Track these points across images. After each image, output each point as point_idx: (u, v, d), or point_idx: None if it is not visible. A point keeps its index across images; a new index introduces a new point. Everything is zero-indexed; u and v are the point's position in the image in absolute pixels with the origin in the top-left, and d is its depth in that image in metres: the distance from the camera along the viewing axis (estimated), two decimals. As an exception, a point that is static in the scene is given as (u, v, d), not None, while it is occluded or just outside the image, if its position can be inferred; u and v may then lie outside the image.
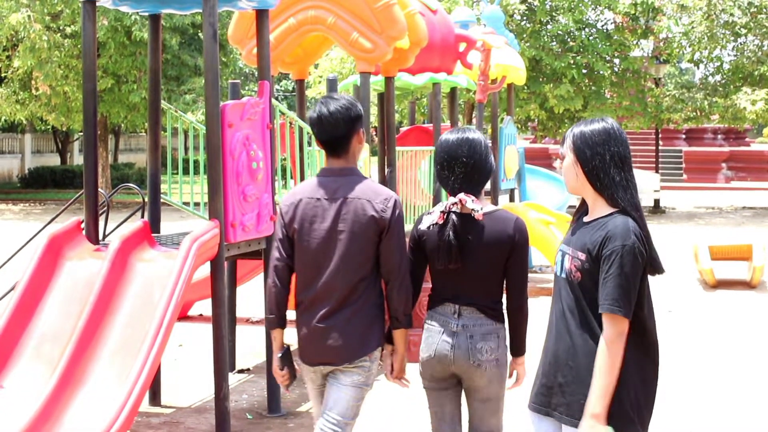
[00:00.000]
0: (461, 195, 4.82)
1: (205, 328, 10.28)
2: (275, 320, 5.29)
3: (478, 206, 4.80)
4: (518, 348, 4.98)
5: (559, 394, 4.02)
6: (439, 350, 4.86)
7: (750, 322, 12.06)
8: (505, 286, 4.91)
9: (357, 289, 4.98)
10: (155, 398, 8.30)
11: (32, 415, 5.83)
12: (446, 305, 4.89)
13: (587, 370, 3.92)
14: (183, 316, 11.91)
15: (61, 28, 27.90)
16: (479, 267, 4.82)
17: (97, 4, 7.52)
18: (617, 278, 3.86)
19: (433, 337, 4.90)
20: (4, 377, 6.35)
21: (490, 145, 5.25)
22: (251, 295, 12.38)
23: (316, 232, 4.99)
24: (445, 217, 4.84)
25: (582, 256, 3.98)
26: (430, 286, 5.08)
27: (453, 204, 4.83)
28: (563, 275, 4.08)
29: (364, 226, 4.92)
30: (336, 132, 5.00)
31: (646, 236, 3.96)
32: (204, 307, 12.04)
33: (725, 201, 33.31)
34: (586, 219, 4.10)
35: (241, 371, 9.48)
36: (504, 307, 4.93)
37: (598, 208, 4.05)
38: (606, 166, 3.99)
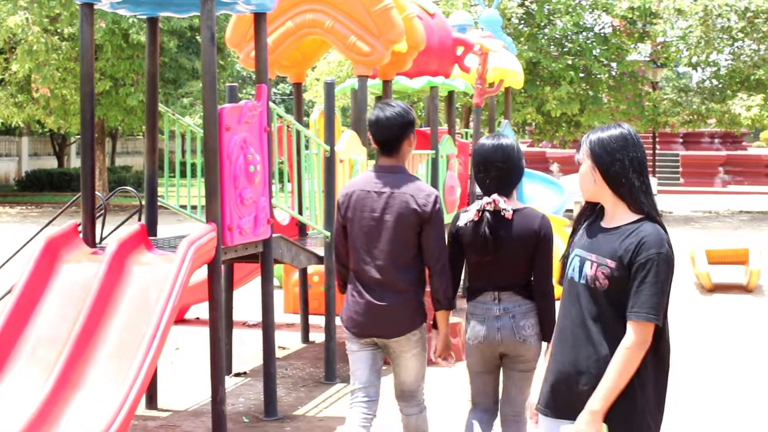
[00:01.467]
0: (495, 196, 5.46)
1: (201, 332, 10.29)
2: (342, 288, 6.00)
3: (509, 206, 5.45)
4: (547, 333, 5.42)
5: (579, 402, 3.97)
6: (487, 335, 5.49)
7: (747, 325, 12.07)
8: (532, 275, 5.53)
9: (401, 272, 5.66)
10: (152, 401, 8.30)
11: (28, 419, 5.83)
12: (485, 294, 5.52)
13: None
14: (180, 320, 11.91)
15: (59, 30, 27.89)
16: (510, 258, 5.44)
17: (95, 6, 7.52)
18: (653, 286, 3.84)
19: (479, 324, 5.51)
20: (0, 381, 6.34)
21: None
22: (248, 299, 12.38)
23: (365, 220, 5.71)
24: (480, 214, 5.45)
25: (611, 263, 3.93)
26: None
27: (487, 203, 5.45)
28: (582, 281, 4.01)
29: (406, 217, 5.61)
30: (390, 135, 5.74)
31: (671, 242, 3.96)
32: (201, 310, 12.04)
33: (722, 205, 33.30)
34: (605, 225, 4.05)
35: (237, 375, 9.48)
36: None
37: (619, 213, 4.01)
38: (626, 171, 3.96)
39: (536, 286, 5.49)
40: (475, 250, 5.48)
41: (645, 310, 3.83)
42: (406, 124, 5.74)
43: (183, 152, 9.15)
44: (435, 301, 5.66)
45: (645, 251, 3.87)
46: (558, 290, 4.42)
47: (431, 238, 5.62)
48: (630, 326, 3.86)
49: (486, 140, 5.63)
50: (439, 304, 5.65)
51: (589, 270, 3.99)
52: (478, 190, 5.83)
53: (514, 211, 5.47)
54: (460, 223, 5.54)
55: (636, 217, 3.98)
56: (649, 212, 3.96)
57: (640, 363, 3.88)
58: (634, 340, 3.84)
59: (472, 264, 5.57)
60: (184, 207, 8.82)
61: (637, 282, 3.86)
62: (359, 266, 5.74)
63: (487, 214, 5.43)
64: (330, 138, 9.14)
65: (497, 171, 5.50)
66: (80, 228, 7.37)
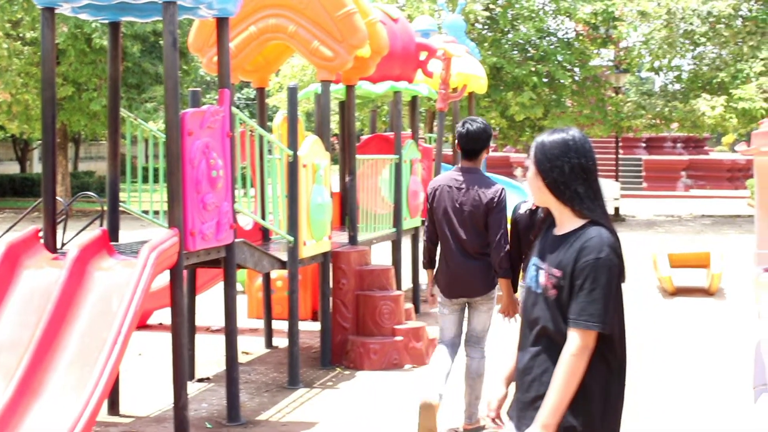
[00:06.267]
0: None
1: (164, 337, 10.24)
2: (426, 263, 7.68)
3: None
4: None
5: (532, 410, 3.90)
6: None
7: (708, 329, 12.16)
8: None
9: (477, 249, 7.29)
10: (114, 407, 8.26)
11: (-11, 426, 5.79)
12: None
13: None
14: (142, 325, 11.86)
15: (21, 35, 27.70)
16: None
17: (57, 11, 7.47)
18: (591, 293, 3.74)
19: None
20: (-39, 387, 6.29)
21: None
22: (211, 304, 12.34)
23: (448, 209, 7.37)
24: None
25: (557, 272, 3.85)
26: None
27: None
28: (539, 290, 3.93)
29: (478, 207, 7.28)
30: (476, 145, 7.36)
31: (618, 245, 3.87)
32: (163, 316, 11.99)
33: (684, 209, 33.55)
34: (556, 232, 3.97)
35: (200, 380, 9.44)
36: None
37: (566, 220, 3.93)
38: (566, 178, 3.88)
39: None
40: (530, 234, 6.62)
41: (583, 317, 3.75)
42: (488, 137, 7.39)
43: (146, 157, 9.12)
44: (494, 270, 7.24)
45: (584, 257, 3.78)
46: None
47: (492, 222, 7.23)
48: (569, 333, 3.79)
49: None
50: (496, 273, 7.24)
51: (542, 279, 3.92)
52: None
53: None
54: (520, 211, 6.99)
55: (581, 222, 3.89)
56: (593, 218, 3.88)
57: (589, 375, 3.81)
58: (572, 348, 3.76)
59: (529, 246, 6.44)
60: (146, 212, 8.79)
61: (576, 289, 3.78)
62: (445, 245, 7.40)
63: None
64: (293, 143, 9.13)
65: None
66: (41, 233, 7.33)
